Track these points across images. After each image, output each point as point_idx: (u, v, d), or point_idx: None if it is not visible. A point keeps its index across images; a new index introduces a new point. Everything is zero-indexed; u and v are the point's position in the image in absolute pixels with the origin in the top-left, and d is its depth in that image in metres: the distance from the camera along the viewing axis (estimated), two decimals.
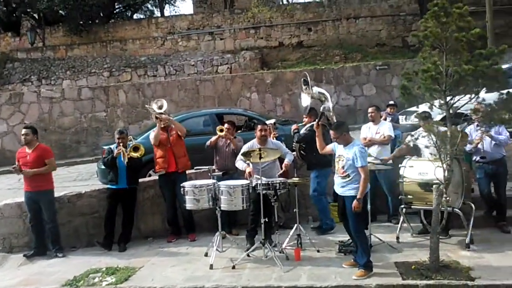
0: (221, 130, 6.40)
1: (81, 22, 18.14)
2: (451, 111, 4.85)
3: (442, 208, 5.13)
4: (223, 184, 5.48)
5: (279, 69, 16.46)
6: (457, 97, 4.79)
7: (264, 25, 18.84)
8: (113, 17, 22.89)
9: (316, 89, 7.10)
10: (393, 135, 6.74)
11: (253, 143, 5.90)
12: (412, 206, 5.72)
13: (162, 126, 6.46)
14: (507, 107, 4.52)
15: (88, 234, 6.53)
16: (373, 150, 6.74)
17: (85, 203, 6.57)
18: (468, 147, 6.14)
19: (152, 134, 6.60)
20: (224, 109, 10.67)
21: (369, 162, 6.54)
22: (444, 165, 4.71)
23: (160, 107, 6.49)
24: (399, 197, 5.80)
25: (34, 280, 5.26)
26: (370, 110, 7.04)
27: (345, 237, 5.50)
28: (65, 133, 13.01)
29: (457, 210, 5.39)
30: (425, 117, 5.62)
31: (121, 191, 6.30)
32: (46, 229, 6.19)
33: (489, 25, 13.71)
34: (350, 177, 4.84)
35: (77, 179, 10.17)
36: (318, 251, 5.55)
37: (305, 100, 7.01)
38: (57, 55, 18.43)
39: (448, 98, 4.83)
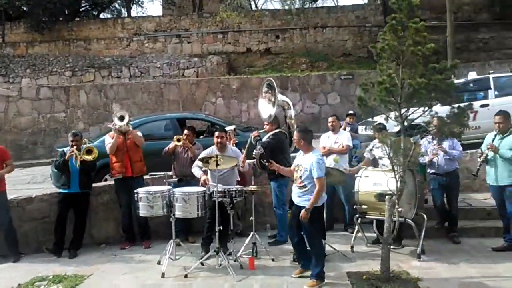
0: (179, 140, 6.28)
1: (44, 19, 17.51)
2: (405, 123, 4.94)
3: (394, 219, 5.24)
4: (178, 191, 5.37)
5: (245, 75, 16.46)
6: (411, 110, 4.89)
7: (232, 30, 18.81)
8: (79, 16, 22.27)
9: (280, 97, 7.12)
10: (351, 145, 6.83)
11: (212, 149, 5.82)
12: (367, 216, 5.77)
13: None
14: (458, 121, 4.64)
15: (38, 240, 6.26)
16: (331, 159, 6.80)
17: (35, 208, 6.31)
18: (422, 160, 6.29)
19: (108, 139, 6.38)
20: (186, 113, 10.52)
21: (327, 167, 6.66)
22: (397, 176, 4.79)
23: (122, 119, 6.24)
24: (354, 207, 5.85)
25: None
26: (330, 119, 7.11)
27: None
28: (21, 133, 12.52)
29: (409, 220, 5.48)
30: (380, 128, 5.70)
31: (73, 196, 6.09)
32: None
33: (449, 39, 14.20)
34: (307, 188, 4.80)
35: (31, 182, 9.77)
36: (272, 259, 5.52)
37: (267, 107, 7.00)
38: (17, 52, 17.76)
39: (403, 111, 4.93)
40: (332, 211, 6.90)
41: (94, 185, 6.47)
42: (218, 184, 5.22)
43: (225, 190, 5.32)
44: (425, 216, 5.66)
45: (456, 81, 9.60)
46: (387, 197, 4.89)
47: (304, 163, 4.80)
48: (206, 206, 5.46)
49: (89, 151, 6.06)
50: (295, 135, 4.97)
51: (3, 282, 5.12)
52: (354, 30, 18.79)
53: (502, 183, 5.61)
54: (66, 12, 20.09)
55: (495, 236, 5.96)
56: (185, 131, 6.54)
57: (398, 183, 4.82)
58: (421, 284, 4.67)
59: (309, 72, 16.23)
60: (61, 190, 6.17)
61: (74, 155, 6.00)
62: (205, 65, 17.41)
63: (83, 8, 23.13)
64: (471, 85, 9.01)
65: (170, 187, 5.53)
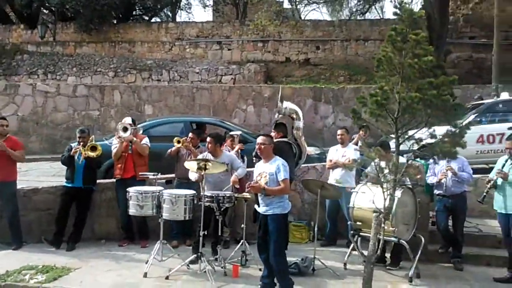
0: (178, 142, 6.34)
1: (92, 21, 18.39)
2: (400, 140, 4.70)
3: (389, 239, 5.01)
4: (167, 192, 5.40)
5: (280, 84, 16.41)
6: (407, 126, 4.65)
7: (273, 39, 18.86)
8: (131, 20, 23.13)
9: (288, 105, 7.03)
10: (358, 159, 6.58)
11: (206, 153, 5.82)
12: (361, 234, 5.54)
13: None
14: (453, 141, 4.36)
15: (41, 230, 6.48)
16: (337, 173, 6.62)
17: (41, 199, 6.57)
18: (430, 180, 5.99)
19: (115, 142, 6.51)
20: (200, 117, 10.62)
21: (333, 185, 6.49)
22: (385, 194, 4.56)
23: (125, 130, 6.35)
24: (348, 223, 5.64)
25: None
26: (339, 132, 6.94)
27: (292, 258, 5.38)
28: (57, 128, 13.15)
29: (403, 241, 5.20)
30: (382, 145, 5.43)
31: (76, 190, 6.29)
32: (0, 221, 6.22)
33: (495, 58, 13.56)
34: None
35: (56, 175, 10.17)
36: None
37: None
38: (66, 51, 18.78)
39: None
40: (336, 226, 6.72)
41: (98, 181, 6.65)
42: (205, 188, 5.22)
43: (213, 195, 5.30)
44: (422, 238, 5.36)
45: (486, 101, 9.16)
46: (374, 214, 4.66)
47: (268, 169, 4.70)
48: (195, 210, 5.46)
49: (93, 148, 6.25)
50: (261, 139, 4.83)
51: None
52: None
53: (511, 211, 5.20)
54: (119, 16, 21.04)
55: (503, 266, 5.52)
56: (190, 134, 6.59)
57: (387, 201, 4.59)
58: None
59: (345, 85, 15.95)
60: (65, 184, 6.40)
61: (79, 151, 6.22)
62: (243, 73, 17.56)
63: (136, 13, 24.16)
64: (501, 106, 8.47)
65: (162, 188, 5.58)
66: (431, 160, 6.05)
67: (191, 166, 5.37)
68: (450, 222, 5.93)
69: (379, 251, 4.56)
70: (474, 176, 6.06)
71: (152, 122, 8.40)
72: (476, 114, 8.48)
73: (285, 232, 4.72)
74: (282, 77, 18.34)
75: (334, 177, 6.68)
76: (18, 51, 18.38)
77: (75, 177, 6.28)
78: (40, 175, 9.71)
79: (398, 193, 5.16)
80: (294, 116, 7.01)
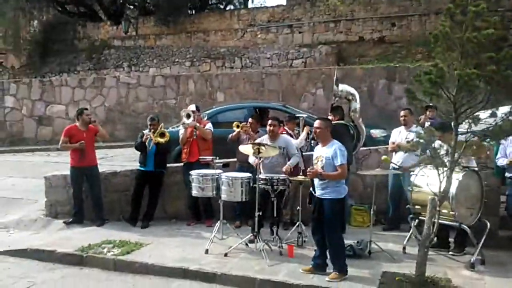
0: (238, 126, 6.59)
1: (171, 13, 19.28)
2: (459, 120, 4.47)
3: (449, 223, 4.83)
4: (225, 175, 5.68)
5: (353, 65, 16.00)
6: (466, 105, 4.41)
7: (345, 19, 18.33)
8: (208, 9, 23.86)
9: (344, 88, 6.96)
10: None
11: (264, 137, 5.99)
12: (420, 217, 5.38)
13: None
14: None
15: (120, 210, 7.16)
16: (400, 156, 6.44)
17: (120, 181, 7.23)
18: (500, 162, 5.61)
19: (182, 130, 6.97)
20: (263, 103, 10.75)
21: (394, 169, 6.35)
22: (441, 177, 4.39)
23: (188, 116, 6.73)
24: (407, 206, 5.51)
25: (57, 243, 5.97)
26: (402, 113, 6.71)
27: (348, 241, 5.40)
28: (139, 117, 14.13)
29: (464, 226, 4.97)
30: (442, 126, 5.19)
31: (148, 173, 6.83)
32: (86, 201, 6.97)
33: None
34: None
35: (136, 160, 11.04)
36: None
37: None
38: (147, 44, 19.96)
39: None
40: (399, 209, 6.57)
41: (168, 165, 7.15)
42: (261, 172, 5.40)
43: (267, 178, 5.47)
44: (488, 224, 5.08)
45: None
46: (429, 198, 4.52)
47: (325, 153, 4.71)
48: (253, 192, 5.67)
49: (162, 135, 6.73)
50: (317, 123, 4.84)
51: (80, 241, 6.01)
52: None
53: None
54: (195, 6, 21.85)
55: None
56: (249, 119, 6.81)
57: (443, 183, 4.42)
58: None
59: (422, 63, 15.10)
60: (138, 168, 6.98)
61: (149, 137, 6.74)
62: (314, 55, 17.36)
63: (210, 2, 24.89)
64: None
65: (221, 171, 5.88)
66: (502, 141, 5.67)
67: (246, 150, 5.59)
68: None
69: (433, 235, 4.41)
70: None
71: (218, 109, 8.79)
72: None
73: (341, 216, 4.75)
74: (356, 58, 17.81)
75: (396, 160, 6.51)
76: (106, 47, 19.94)
77: (147, 161, 6.82)
78: (124, 159, 10.63)
79: (459, 176, 4.95)
80: (350, 98, 6.93)
